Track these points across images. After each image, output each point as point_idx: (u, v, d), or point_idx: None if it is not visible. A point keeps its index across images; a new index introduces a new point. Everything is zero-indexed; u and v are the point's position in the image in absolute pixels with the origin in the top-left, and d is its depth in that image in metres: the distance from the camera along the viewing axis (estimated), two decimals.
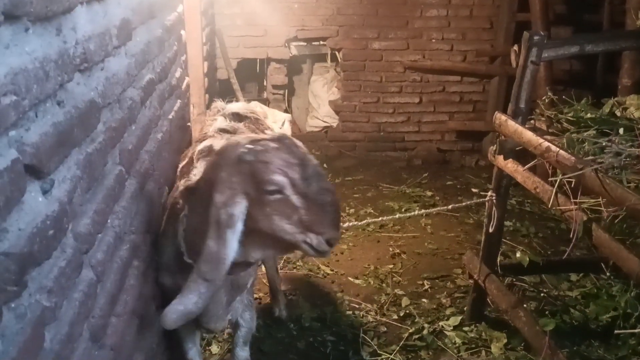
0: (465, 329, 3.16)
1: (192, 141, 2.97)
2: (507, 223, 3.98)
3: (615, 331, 2.62)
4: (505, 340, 3.02)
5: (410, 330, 3.15)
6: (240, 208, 1.69)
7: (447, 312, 3.33)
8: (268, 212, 1.73)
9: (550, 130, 2.69)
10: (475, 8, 5.66)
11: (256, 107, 4.90)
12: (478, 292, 3.14)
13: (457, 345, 3.04)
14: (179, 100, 2.87)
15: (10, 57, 0.98)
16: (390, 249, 4.06)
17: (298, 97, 6.23)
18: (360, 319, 3.28)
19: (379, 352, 2.99)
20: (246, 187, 1.71)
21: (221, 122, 2.72)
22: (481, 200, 3.03)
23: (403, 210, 4.67)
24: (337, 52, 5.85)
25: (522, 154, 2.65)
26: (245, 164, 1.72)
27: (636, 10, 3.69)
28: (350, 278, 3.71)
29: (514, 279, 3.53)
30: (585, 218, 2.20)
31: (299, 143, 1.84)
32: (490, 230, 2.91)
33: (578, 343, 2.96)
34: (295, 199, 1.72)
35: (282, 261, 3.74)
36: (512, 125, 2.58)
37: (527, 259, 3.00)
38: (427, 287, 3.62)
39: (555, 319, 2.96)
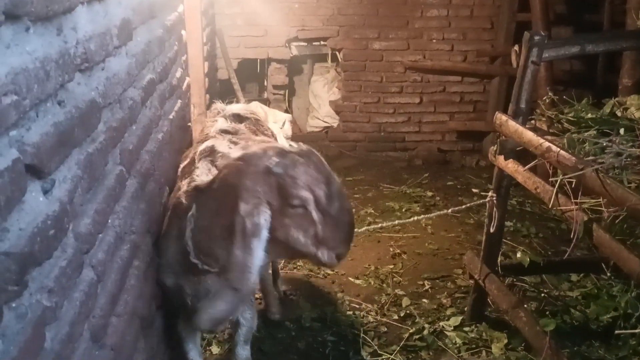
0: (466, 329, 3.16)
1: (192, 141, 2.97)
2: (507, 223, 3.98)
3: (616, 331, 2.61)
4: (505, 341, 3.02)
5: (411, 331, 3.15)
6: (265, 217, 1.73)
7: (448, 312, 3.33)
8: (286, 223, 1.79)
9: (550, 131, 2.69)
10: (476, 8, 5.66)
11: (257, 107, 4.91)
12: (479, 292, 3.14)
13: (457, 345, 3.04)
14: (179, 101, 2.87)
15: (11, 57, 0.98)
16: (391, 249, 4.06)
17: (298, 97, 6.23)
18: (360, 319, 3.28)
19: (379, 352, 2.99)
20: (271, 197, 1.75)
21: (222, 123, 2.73)
22: (482, 201, 3.03)
23: (404, 210, 4.67)
24: (337, 52, 5.85)
25: (523, 154, 2.65)
26: (272, 176, 1.75)
27: (637, 10, 3.69)
28: (350, 278, 3.71)
29: (515, 279, 3.53)
30: (585, 218, 2.20)
31: (322, 158, 1.89)
32: (491, 230, 2.91)
33: (579, 343, 2.96)
34: (315, 215, 1.78)
35: (283, 261, 3.74)
36: (513, 126, 2.58)
37: (528, 259, 3.00)
38: (427, 287, 3.62)
39: (556, 319, 2.96)
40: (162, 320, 2.26)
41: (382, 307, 3.40)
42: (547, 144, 2.29)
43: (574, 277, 3.57)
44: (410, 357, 2.99)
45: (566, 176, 2.19)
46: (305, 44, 5.82)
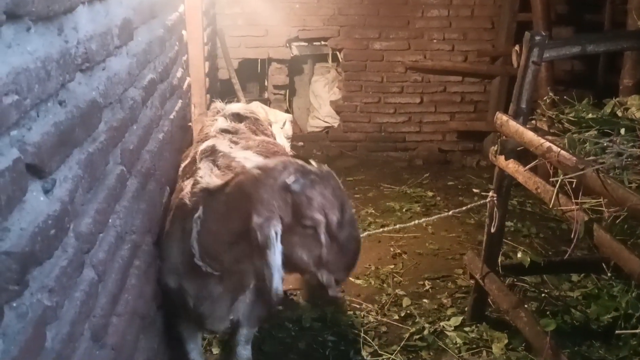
0: (466, 329, 3.15)
1: (193, 141, 2.97)
2: (508, 223, 3.98)
3: (617, 331, 2.61)
4: (506, 341, 3.02)
5: (411, 331, 3.15)
6: (276, 229, 1.73)
7: (448, 312, 3.33)
8: (293, 240, 1.79)
9: (551, 131, 2.69)
10: (477, 8, 5.66)
11: (257, 107, 4.92)
12: (479, 292, 3.14)
13: (458, 345, 3.04)
14: (180, 100, 2.87)
15: (12, 57, 0.98)
16: (391, 249, 4.06)
17: (299, 97, 6.23)
18: (361, 319, 3.28)
19: (379, 352, 2.99)
20: (284, 213, 1.75)
21: (222, 123, 2.73)
22: (483, 201, 3.03)
23: (404, 210, 4.67)
24: (338, 52, 5.85)
25: (524, 154, 2.65)
26: (289, 193, 1.75)
27: (637, 11, 3.69)
28: (351, 278, 3.70)
29: (515, 279, 3.53)
30: (586, 218, 2.20)
31: (340, 183, 1.89)
32: (492, 230, 2.91)
33: (579, 343, 2.96)
34: (323, 238, 1.79)
35: None
36: (514, 126, 2.57)
37: (528, 259, 3.00)
38: (428, 287, 3.62)
39: (557, 320, 2.96)
40: (163, 320, 2.26)
41: (382, 307, 3.40)
42: (547, 144, 2.29)
43: (574, 277, 3.57)
44: (411, 357, 2.99)
45: (567, 176, 2.19)
46: (306, 44, 5.82)
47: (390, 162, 5.88)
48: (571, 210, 2.26)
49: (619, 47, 2.98)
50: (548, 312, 3.21)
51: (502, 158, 2.73)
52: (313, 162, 1.87)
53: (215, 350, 2.95)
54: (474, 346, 3.03)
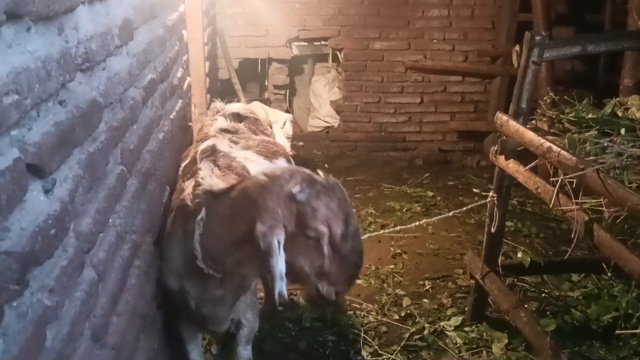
0: (467, 329, 3.16)
1: (192, 141, 2.97)
2: (508, 223, 3.98)
3: (617, 332, 2.62)
4: (506, 341, 3.02)
5: (411, 331, 3.15)
6: (279, 238, 1.72)
7: (448, 312, 3.33)
8: (296, 250, 1.78)
9: (551, 131, 2.69)
10: (477, 8, 5.66)
11: (257, 107, 4.92)
12: (479, 292, 3.14)
13: (458, 345, 3.04)
14: (180, 100, 2.87)
15: (12, 57, 0.98)
16: (392, 249, 4.06)
17: (299, 97, 6.23)
18: (361, 319, 3.28)
19: (379, 352, 2.99)
20: (288, 222, 1.74)
21: (222, 122, 2.73)
22: (483, 201, 3.03)
23: (404, 210, 4.67)
24: (338, 52, 5.85)
25: (524, 154, 2.65)
26: (294, 203, 1.74)
27: (638, 11, 3.69)
28: None
29: (515, 279, 3.53)
30: (586, 218, 2.20)
31: (347, 195, 1.88)
32: (492, 230, 2.91)
33: (579, 343, 2.96)
34: (326, 250, 1.77)
35: None
36: (514, 126, 2.57)
37: (529, 259, 3.00)
38: (428, 287, 3.62)
39: (557, 320, 2.96)
40: (163, 320, 2.26)
41: (382, 307, 3.40)
42: (548, 144, 2.29)
43: (574, 277, 3.57)
44: (411, 357, 2.99)
45: (567, 176, 2.19)
46: (306, 43, 5.83)
47: (390, 162, 5.88)
48: (571, 210, 2.26)
49: (620, 47, 2.98)
50: (548, 312, 3.21)
51: (502, 158, 2.73)
52: (320, 172, 1.85)
53: (215, 350, 2.95)
54: (474, 346, 3.03)
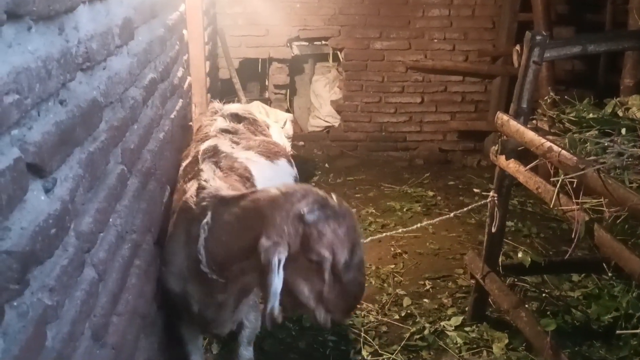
0: (467, 329, 3.15)
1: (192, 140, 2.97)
2: (508, 223, 3.98)
3: (617, 332, 2.61)
4: (506, 341, 3.02)
5: (412, 330, 3.15)
6: (280, 257, 1.69)
7: (449, 312, 3.33)
8: (297, 271, 1.75)
9: (552, 131, 2.69)
10: (477, 8, 5.66)
11: (258, 107, 4.92)
12: (479, 292, 3.14)
13: (458, 345, 3.04)
14: (180, 100, 2.88)
15: (12, 56, 0.98)
16: (392, 249, 4.06)
17: (300, 97, 6.23)
18: (361, 319, 3.28)
19: (380, 352, 2.99)
20: (293, 242, 1.71)
21: (222, 123, 2.73)
22: (483, 201, 3.03)
23: (405, 210, 4.67)
24: (339, 52, 5.85)
25: (524, 154, 2.65)
26: (302, 224, 1.71)
27: (638, 10, 3.69)
28: None
29: (516, 279, 3.52)
30: (587, 218, 2.20)
31: (357, 224, 1.84)
32: (492, 230, 2.91)
33: (580, 343, 2.96)
34: (327, 276, 1.74)
35: None
36: (514, 125, 2.57)
37: (529, 259, 3.00)
38: (428, 287, 3.62)
39: (557, 320, 2.96)
40: (163, 319, 2.26)
41: (383, 306, 3.40)
42: (548, 143, 2.29)
43: (575, 277, 3.57)
44: (411, 356, 2.99)
45: (567, 176, 2.19)
46: (307, 43, 5.82)
47: (390, 162, 5.88)
48: (572, 210, 2.26)
49: (620, 47, 2.98)
50: (548, 312, 3.21)
51: (502, 158, 2.73)
52: (334, 196, 1.82)
53: (215, 350, 2.95)
54: (475, 346, 3.03)
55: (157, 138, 2.19)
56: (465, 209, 3.43)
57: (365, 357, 2.96)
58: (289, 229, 1.71)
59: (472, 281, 3.26)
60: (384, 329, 3.21)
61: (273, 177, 2.51)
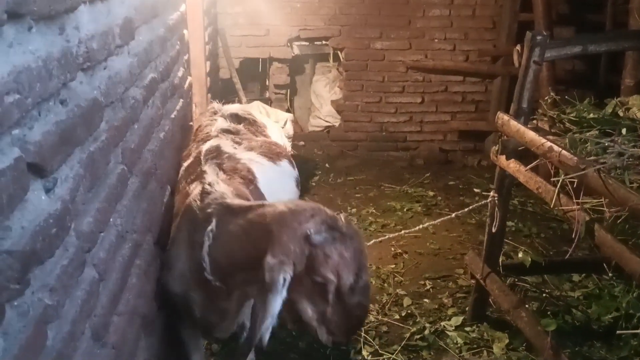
0: (467, 329, 3.15)
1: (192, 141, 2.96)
2: (509, 223, 3.98)
3: (618, 332, 2.62)
4: (507, 341, 3.02)
5: (412, 330, 3.15)
6: (285, 276, 1.66)
7: (449, 312, 3.33)
8: (300, 291, 1.72)
9: (552, 131, 2.69)
10: (478, 8, 5.66)
11: (258, 106, 4.92)
12: (480, 292, 3.14)
13: (458, 345, 3.04)
14: (181, 100, 2.88)
15: (13, 56, 0.98)
16: (392, 249, 4.06)
17: (300, 97, 6.23)
18: None
19: (380, 352, 2.99)
20: (298, 261, 1.68)
21: (223, 123, 2.73)
22: (484, 201, 3.03)
23: (405, 210, 4.67)
24: (339, 52, 5.85)
25: (525, 154, 2.65)
26: (308, 245, 1.69)
27: (639, 11, 3.68)
28: None
29: (516, 279, 3.52)
30: (587, 218, 2.20)
31: (365, 247, 1.81)
32: (493, 230, 2.91)
33: (580, 343, 2.96)
34: (331, 298, 1.72)
35: None
36: (515, 125, 2.57)
37: (529, 259, 3.00)
38: (428, 287, 3.62)
39: (557, 320, 2.96)
40: (164, 319, 2.26)
41: (383, 306, 3.40)
42: (549, 143, 2.29)
43: (575, 277, 3.57)
44: (412, 356, 2.99)
45: (568, 176, 2.18)
46: (307, 43, 5.82)
47: (391, 162, 5.88)
48: (572, 210, 2.26)
49: (621, 47, 2.98)
50: (549, 312, 3.20)
51: (503, 158, 2.72)
52: (342, 216, 1.78)
53: (216, 350, 2.95)
54: (475, 346, 3.03)
55: (158, 138, 2.19)
56: (466, 210, 3.42)
57: (366, 357, 2.96)
58: (296, 248, 1.68)
59: (473, 281, 3.26)
60: (384, 328, 3.21)
61: (276, 178, 2.50)
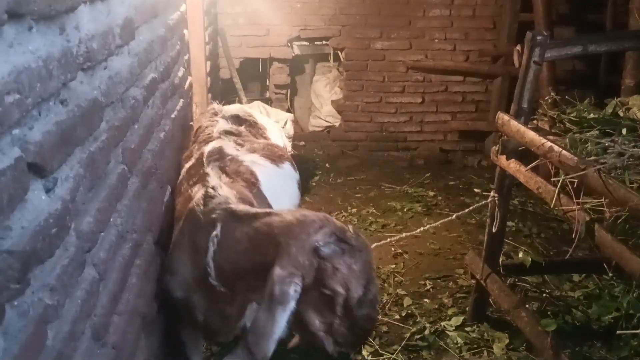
0: (467, 329, 3.15)
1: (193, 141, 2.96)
2: (509, 223, 3.97)
3: (618, 332, 2.61)
4: (507, 341, 3.01)
5: (412, 330, 3.15)
6: (296, 288, 1.65)
7: (449, 312, 3.33)
8: (308, 302, 1.70)
9: (552, 131, 2.69)
10: (478, 8, 5.66)
11: (258, 106, 4.92)
12: (480, 292, 3.14)
13: (459, 345, 3.04)
14: (181, 100, 2.88)
15: (13, 56, 0.98)
16: (393, 249, 4.06)
17: (300, 97, 6.23)
18: None
19: (380, 352, 2.99)
20: (307, 273, 1.67)
21: (224, 125, 2.72)
22: (484, 201, 3.03)
23: (405, 210, 4.67)
24: (339, 52, 5.85)
25: (525, 154, 2.65)
26: (316, 257, 1.67)
27: (639, 10, 3.68)
28: None
29: (516, 279, 3.53)
30: (587, 218, 2.20)
31: (373, 259, 1.79)
32: (493, 230, 2.91)
33: (580, 344, 2.95)
34: (339, 310, 1.70)
35: None
36: (515, 125, 2.57)
37: (530, 259, 3.00)
38: (429, 287, 3.62)
39: (558, 320, 2.96)
40: (164, 319, 2.26)
41: (383, 306, 3.40)
42: (549, 144, 2.29)
43: (575, 277, 3.57)
44: (412, 356, 2.99)
45: (568, 176, 2.18)
46: (308, 43, 5.83)
47: (391, 162, 5.88)
48: (572, 211, 2.26)
49: (621, 47, 2.98)
50: (549, 312, 3.20)
51: (503, 158, 2.73)
52: (351, 228, 1.77)
53: (216, 350, 2.95)
54: (475, 346, 3.03)
55: (158, 138, 2.19)
56: (466, 210, 3.42)
57: (366, 357, 2.96)
58: (304, 260, 1.66)
59: (473, 281, 3.26)
60: (385, 329, 3.21)
61: (278, 181, 2.49)
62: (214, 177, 2.11)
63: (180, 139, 2.77)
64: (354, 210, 4.68)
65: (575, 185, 2.22)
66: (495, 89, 5.80)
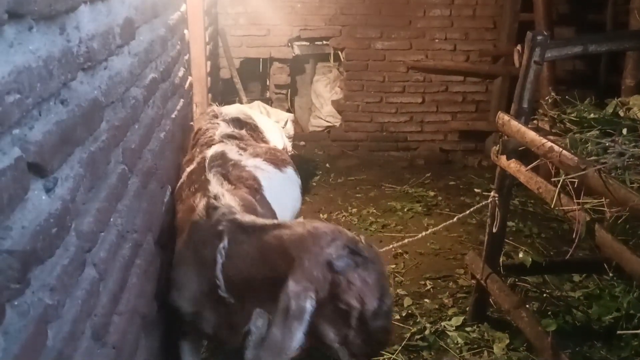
0: (468, 329, 3.15)
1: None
2: (509, 223, 3.97)
3: (618, 332, 2.62)
4: (507, 341, 3.01)
5: (413, 330, 3.15)
6: (311, 302, 1.63)
7: (450, 312, 3.33)
8: (322, 315, 1.68)
9: (553, 131, 2.69)
10: (478, 8, 5.66)
11: (259, 106, 4.92)
12: (480, 292, 3.14)
13: (459, 345, 3.03)
14: (181, 100, 2.88)
15: (14, 56, 0.98)
16: (393, 249, 4.06)
17: (301, 97, 6.23)
18: None
19: (380, 352, 2.99)
20: (320, 287, 1.65)
21: (225, 128, 2.71)
22: (485, 202, 3.03)
23: (405, 210, 4.67)
24: (339, 52, 5.85)
25: (525, 154, 2.65)
26: (330, 272, 1.65)
27: (639, 10, 3.68)
28: None
29: (517, 280, 3.52)
30: (588, 218, 2.19)
31: (386, 269, 1.76)
32: (493, 230, 2.90)
33: (580, 344, 2.95)
34: (354, 322, 1.68)
35: None
36: (515, 125, 2.57)
37: (530, 259, 3.00)
38: (429, 287, 3.62)
39: (558, 320, 2.96)
40: (164, 319, 2.26)
41: None
42: (549, 143, 2.28)
43: (576, 277, 3.56)
44: (412, 357, 2.98)
45: (568, 176, 2.18)
46: (308, 43, 5.83)
47: (391, 162, 5.88)
48: (573, 211, 2.26)
49: (621, 47, 2.98)
50: (549, 312, 3.20)
51: (503, 158, 2.72)
52: (363, 239, 1.75)
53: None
54: (475, 346, 3.03)
55: (158, 138, 2.19)
56: (467, 212, 3.40)
57: None
58: (318, 274, 1.64)
59: (473, 281, 3.26)
60: None
61: (281, 186, 2.48)
62: (216, 185, 2.08)
63: (181, 139, 2.77)
64: (354, 210, 4.68)
65: (575, 186, 2.21)
66: (495, 89, 5.80)
